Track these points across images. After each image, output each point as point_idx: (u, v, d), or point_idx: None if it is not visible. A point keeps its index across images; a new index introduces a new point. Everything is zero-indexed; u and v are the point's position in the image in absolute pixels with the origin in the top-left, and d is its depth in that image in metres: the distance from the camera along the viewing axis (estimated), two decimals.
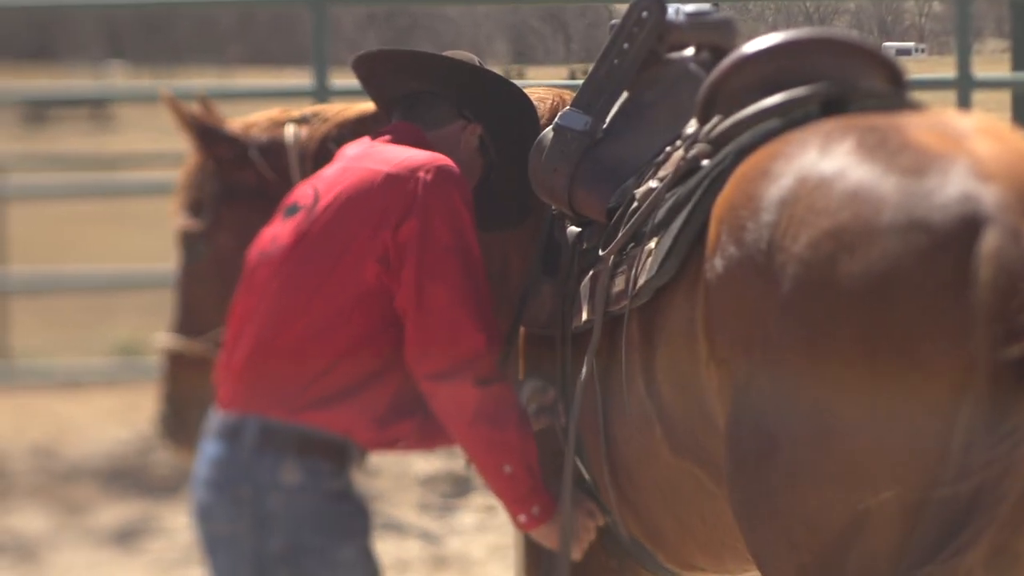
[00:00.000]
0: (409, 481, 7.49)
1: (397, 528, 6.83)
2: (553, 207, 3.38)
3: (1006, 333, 2.27)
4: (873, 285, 2.34)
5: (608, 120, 3.29)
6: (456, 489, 7.37)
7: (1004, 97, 7.84)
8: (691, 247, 2.81)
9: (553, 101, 3.58)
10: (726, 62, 2.97)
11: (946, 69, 7.67)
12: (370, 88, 3.56)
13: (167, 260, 4.15)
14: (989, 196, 2.32)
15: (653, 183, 3.04)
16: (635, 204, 3.07)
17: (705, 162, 2.91)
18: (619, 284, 3.03)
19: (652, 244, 2.92)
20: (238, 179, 3.88)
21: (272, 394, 3.19)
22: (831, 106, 2.81)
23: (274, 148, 3.86)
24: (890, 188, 2.38)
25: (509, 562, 6.04)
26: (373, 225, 3.18)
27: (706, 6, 3.34)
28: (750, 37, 3.00)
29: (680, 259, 2.83)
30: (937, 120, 2.55)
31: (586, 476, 3.26)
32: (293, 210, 3.31)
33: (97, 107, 21.78)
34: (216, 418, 3.28)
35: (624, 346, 2.99)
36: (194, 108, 3.94)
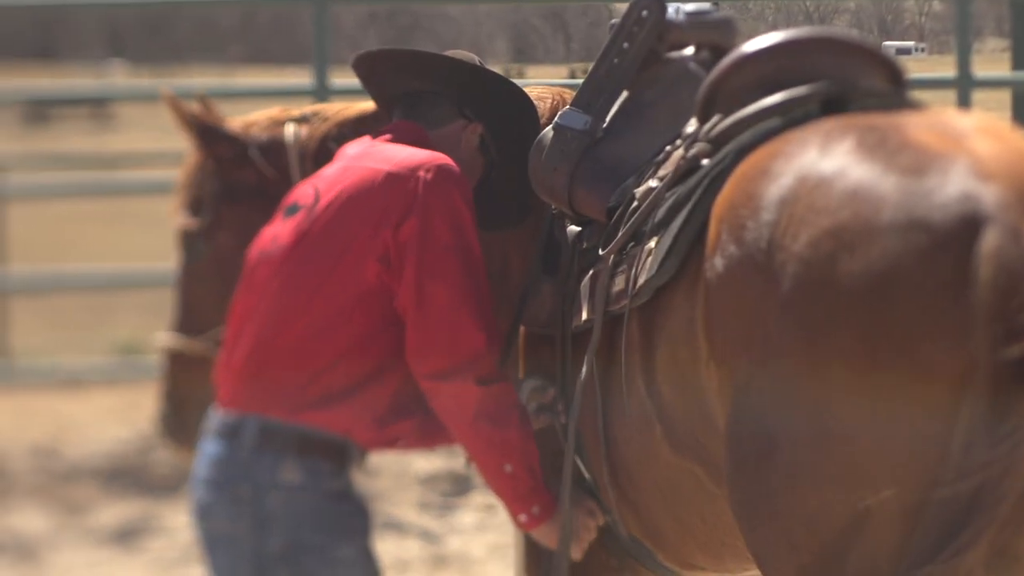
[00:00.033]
0: (409, 480, 7.49)
1: (397, 527, 6.84)
2: (553, 206, 3.38)
3: (1006, 333, 2.27)
4: (873, 284, 2.34)
5: (608, 119, 3.30)
6: (456, 488, 7.37)
7: (1004, 96, 7.83)
8: (691, 246, 2.81)
9: (553, 100, 3.58)
10: (726, 61, 2.97)
11: (946, 68, 7.67)
12: (371, 87, 3.56)
13: (167, 259, 4.15)
14: (989, 195, 2.32)
15: (653, 182, 3.04)
16: (635, 203, 3.07)
17: (705, 161, 2.91)
18: (619, 283, 3.03)
19: (652, 243, 2.92)
20: (238, 178, 3.88)
21: (272, 393, 3.19)
22: (831, 105, 2.81)
23: (274, 147, 3.86)
24: (890, 187, 2.38)
25: (509, 561, 6.04)
26: (374, 224, 3.18)
27: (706, 5, 3.34)
28: (750, 36, 3.00)
29: (680, 258, 2.83)
30: (937, 119, 2.55)
31: (586, 475, 3.26)
32: (293, 209, 3.31)
33: (98, 106, 21.75)
34: (216, 417, 3.28)
35: (624, 346, 2.99)
36: (194, 107, 3.94)
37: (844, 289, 2.37)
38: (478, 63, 3.50)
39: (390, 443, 3.34)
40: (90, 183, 11.85)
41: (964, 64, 7.24)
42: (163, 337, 3.94)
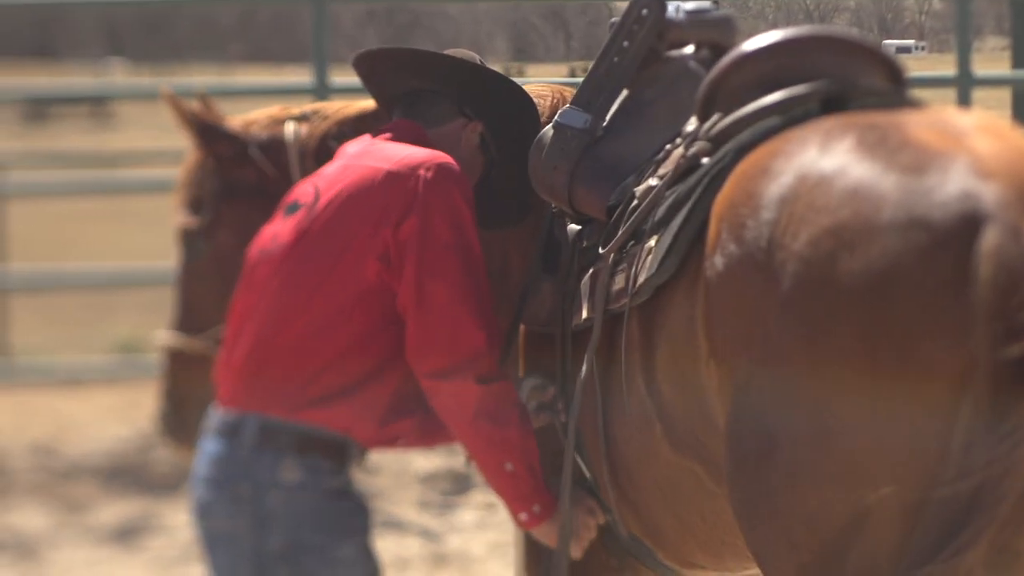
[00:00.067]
0: (409, 479, 7.49)
1: (397, 526, 6.84)
2: (553, 205, 3.38)
3: (1006, 331, 2.27)
4: (873, 283, 2.34)
5: (608, 118, 3.29)
6: (456, 487, 7.37)
7: (1004, 95, 7.83)
8: (691, 245, 2.81)
9: (553, 98, 3.58)
10: (726, 60, 2.97)
11: (946, 67, 7.67)
12: (371, 86, 3.56)
13: (167, 258, 4.16)
14: (989, 194, 2.32)
15: (653, 181, 3.04)
16: (635, 202, 3.06)
17: (705, 160, 2.91)
18: (619, 282, 3.03)
19: (652, 242, 2.92)
20: (238, 177, 3.88)
21: (272, 392, 3.19)
22: (831, 104, 2.81)
23: (274, 145, 3.86)
24: (890, 186, 2.38)
25: (509, 560, 6.05)
26: (374, 223, 3.18)
27: (706, 4, 3.34)
28: (750, 35, 3.00)
29: (680, 257, 2.83)
30: (937, 118, 2.55)
31: (586, 474, 3.25)
32: (294, 208, 3.31)
33: (97, 105, 21.77)
34: (216, 416, 3.28)
35: (624, 344, 2.98)
36: (194, 106, 3.95)
37: (844, 288, 2.37)
38: (478, 62, 3.50)
39: (390, 442, 3.35)
40: (90, 181, 11.85)
41: (964, 62, 7.24)
42: (163, 335, 3.94)
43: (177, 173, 4.04)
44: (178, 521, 6.73)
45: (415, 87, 3.48)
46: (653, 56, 3.30)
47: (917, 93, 2.95)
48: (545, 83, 3.70)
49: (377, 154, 3.29)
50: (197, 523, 3.28)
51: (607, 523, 3.28)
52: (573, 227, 3.34)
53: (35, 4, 9.22)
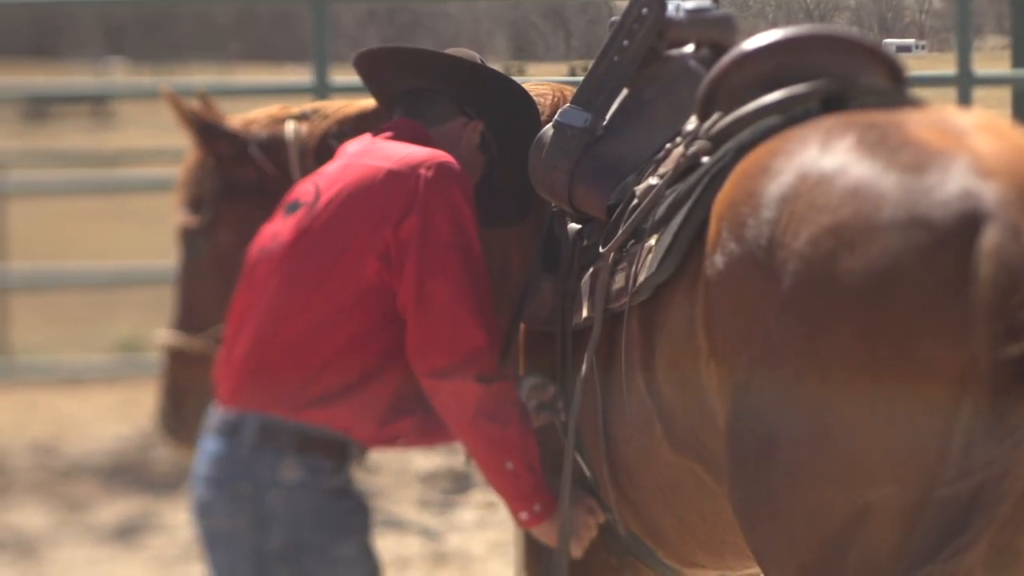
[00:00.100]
0: (409, 478, 7.49)
1: (397, 525, 6.84)
2: (553, 204, 3.38)
3: (1007, 330, 2.26)
4: (873, 282, 2.34)
5: (608, 117, 3.29)
6: (456, 486, 7.37)
7: (1004, 94, 7.83)
8: (691, 244, 2.80)
9: (554, 97, 3.58)
10: (726, 59, 2.97)
11: (946, 66, 7.67)
12: (372, 85, 3.56)
13: (167, 256, 4.16)
14: (989, 193, 2.32)
15: (653, 180, 3.04)
16: (635, 201, 3.06)
17: (705, 159, 2.91)
18: (619, 281, 3.03)
19: (652, 241, 2.92)
20: (238, 175, 3.88)
21: (272, 391, 3.19)
22: (831, 103, 2.81)
23: (274, 144, 3.86)
24: (891, 185, 2.38)
25: (509, 559, 6.05)
26: (374, 222, 3.18)
27: (706, 3, 3.34)
28: (750, 34, 3.00)
29: (680, 256, 2.83)
30: (937, 117, 2.55)
31: (587, 473, 3.25)
32: (294, 207, 3.31)
33: (97, 103, 21.76)
34: (216, 415, 3.28)
35: (624, 343, 2.98)
36: (194, 104, 3.95)
37: (844, 287, 2.36)
38: (479, 61, 3.50)
39: (390, 441, 3.34)
40: (90, 180, 11.86)
41: (964, 61, 7.24)
42: (163, 334, 3.94)
43: (177, 172, 4.04)
44: (178, 520, 6.73)
45: (416, 86, 3.48)
46: (653, 55, 3.30)
47: (917, 92, 2.95)
48: (545, 82, 3.70)
49: (378, 153, 3.29)
50: (197, 522, 3.28)
51: (607, 522, 3.28)
52: (573, 226, 3.34)
53: (35, 3, 9.22)
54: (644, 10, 3.27)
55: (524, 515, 3.24)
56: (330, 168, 3.36)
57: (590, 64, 3.33)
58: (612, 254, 3.07)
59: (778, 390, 2.47)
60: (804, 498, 2.45)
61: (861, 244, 2.36)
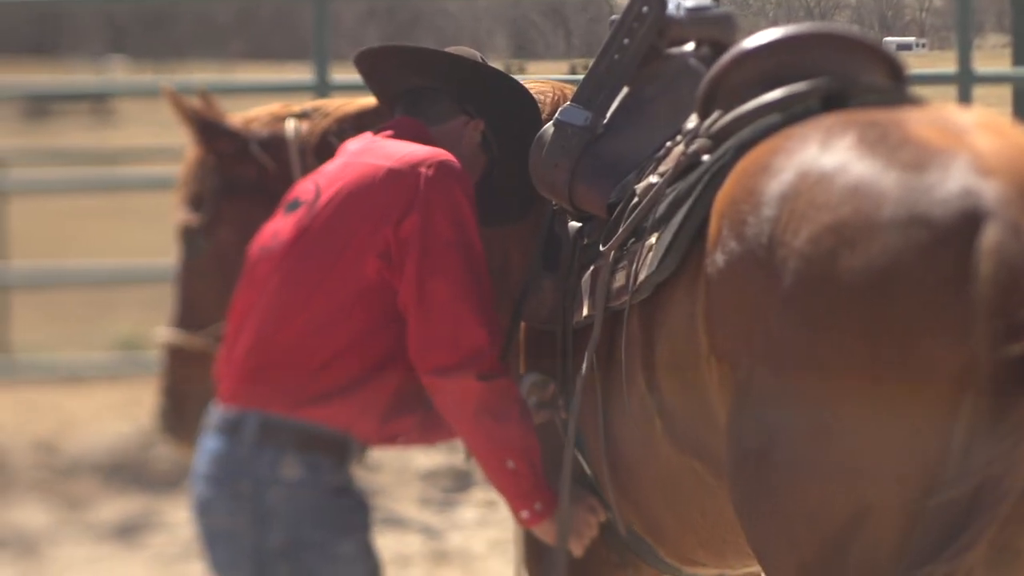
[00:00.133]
0: (410, 476, 7.49)
1: (398, 523, 6.84)
2: (554, 202, 3.38)
3: (1007, 329, 2.26)
4: (874, 280, 2.34)
5: (608, 115, 3.29)
6: (457, 484, 7.37)
7: (1005, 92, 7.84)
8: (692, 242, 2.81)
9: (554, 96, 3.58)
10: (726, 57, 2.97)
11: (947, 64, 7.68)
12: (372, 84, 3.56)
13: (168, 255, 4.15)
14: (990, 191, 2.32)
15: (653, 178, 3.04)
16: (635, 199, 3.06)
17: (705, 157, 2.91)
18: (620, 279, 3.03)
19: (653, 239, 2.92)
20: (239, 174, 3.88)
21: (272, 389, 3.19)
22: (832, 101, 2.81)
23: (275, 143, 3.86)
24: (891, 183, 2.38)
25: (510, 557, 6.03)
26: (375, 221, 3.18)
27: (706, 1, 3.34)
28: (750, 32, 3.00)
29: (680, 254, 2.83)
30: (938, 115, 2.55)
31: (587, 471, 3.25)
32: (295, 205, 3.31)
33: (98, 102, 21.75)
34: (216, 413, 3.28)
35: (624, 342, 2.98)
36: (195, 103, 3.95)
37: (845, 285, 2.36)
38: (479, 59, 3.50)
39: (391, 439, 3.35)
40: (90, 179, 11.86)
41: (965, 60, 7.24)
42: (163, 332, 3.94)
43: (178, 170, 4.04)
44: (179, 518, 6.73)
45: (416, 85, 3.48)
46: (654, 53, 3.30)
47: (918, 90, 2.95)
48: (546, 80, 3.70)
49: (378, 151, 3.29)
50: (197, 520, 3.29)
51: (608, 519, 3.28)
52: (574, 224, 3.34)
53: (36, 1, 9.22)
54: (645, 8, 3.27)
55: (525, 514, 3.24)
56: (331, 166, 3.36)
57: (590, 62, 3.33)
58: (613, 252, 3.07)
59: (778, 388, 2.47)
60: (804, 496, 2.45)
61: (861, 242, 2.36)
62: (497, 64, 3.70)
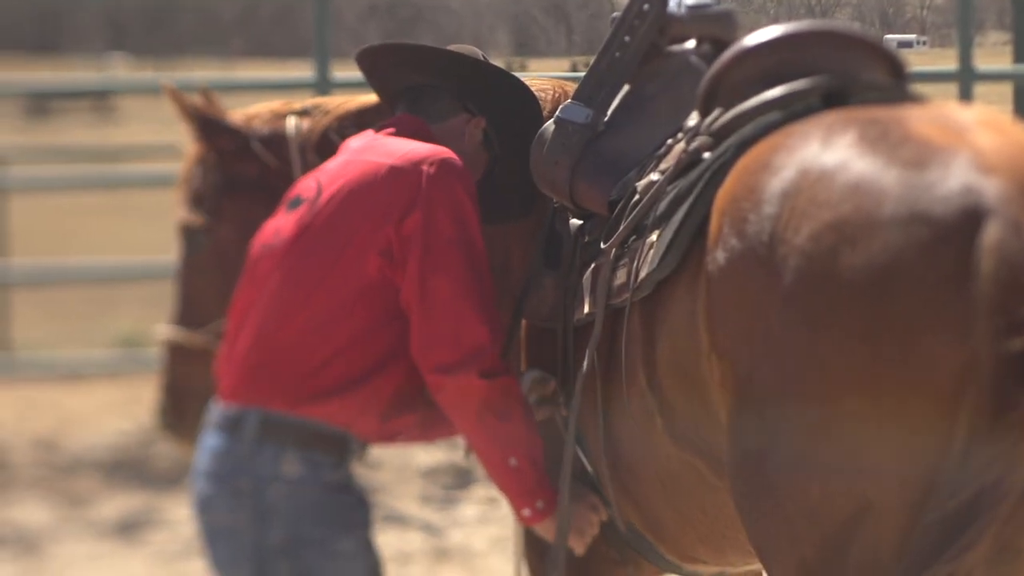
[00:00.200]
0: (411, 473, 7.49)
1: (399, 520, 6.84)
2: (555, 200, 3.38)
3: (1008, 326, 2.26)
4: (875, 278, 2.34)
5: (609, 113, 3.29)
6: (458, 481, 7.38)
7: (1006, 90, 7.84)
8: (693, 240, 2.81)
9: (555, 93, 3.58)
10: (727, 55, 2.97)
11: (948, 62, 7.67)
12: (373, 81, 3.56)
13: (169, 252, 4.16)
14: (991, 189, 2.32)
15: (655, 176, 3.04)
16: (637, 197, 3.06)
17: (706, 155, 2.91)
18: (621, 277, 3.03)
19: (654, 237, 2.92)
20: (240, 171, 3.88)
21: (273, 387, 3.19)
22: (832, 99, 2.81)
23: (276, 140, 3.86)
24: (892, 181, 2.38)
25: (510, 554, 6.05)
26: (376, 218, 3.18)
27: None
28: (751, 30, 3.00)
29: (681, 252, 2.83)
30: (939, 113, 2.55)
31: (588, 469, 3.25)
32: (296, 203, 3.31)
33: (99, 99, 21.77)
34: (217, 410, 3.28)
35: (625, 339, 2.99)
36: (196, 100, 3.95)
37: (845, 282, 2.36)
38: (481, 57, 3.50)
39: (391, 436, 3.34)
40: (91, 176, 11.87)
41: (966, 57, 7.24)
42: (164, 330, 3.94)
43: (179, 168, 4.04)
44: (179, 515, 6.73)
45: (418, 82, 3.48)
46: (654, 51, 3.30)
47: (918, 88, 2.94)
48: (547, 78, 3.70)
49: (380, 149, 3.29)
50: (198, 517, 3.29)
51: (609, 517, 3.28)
52: (575, 222, 3.34)
53: None
54: (646, 6, 3.26)
55: (527, 512, 3.24)
56: (332, 164, 3.36)
57: (592, 60, 3.33)
58: (614, 250, 3.07)
59: (779, 386, 2.47)
60: (805, 494, 2.45)
61: (862, 240, 2.36)
62: (498, 61, 3.70)
